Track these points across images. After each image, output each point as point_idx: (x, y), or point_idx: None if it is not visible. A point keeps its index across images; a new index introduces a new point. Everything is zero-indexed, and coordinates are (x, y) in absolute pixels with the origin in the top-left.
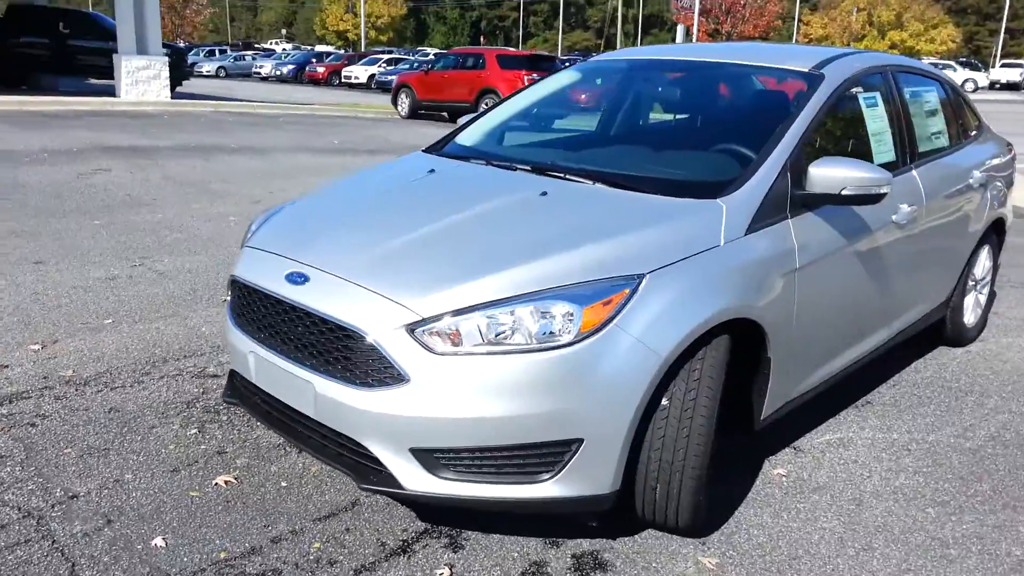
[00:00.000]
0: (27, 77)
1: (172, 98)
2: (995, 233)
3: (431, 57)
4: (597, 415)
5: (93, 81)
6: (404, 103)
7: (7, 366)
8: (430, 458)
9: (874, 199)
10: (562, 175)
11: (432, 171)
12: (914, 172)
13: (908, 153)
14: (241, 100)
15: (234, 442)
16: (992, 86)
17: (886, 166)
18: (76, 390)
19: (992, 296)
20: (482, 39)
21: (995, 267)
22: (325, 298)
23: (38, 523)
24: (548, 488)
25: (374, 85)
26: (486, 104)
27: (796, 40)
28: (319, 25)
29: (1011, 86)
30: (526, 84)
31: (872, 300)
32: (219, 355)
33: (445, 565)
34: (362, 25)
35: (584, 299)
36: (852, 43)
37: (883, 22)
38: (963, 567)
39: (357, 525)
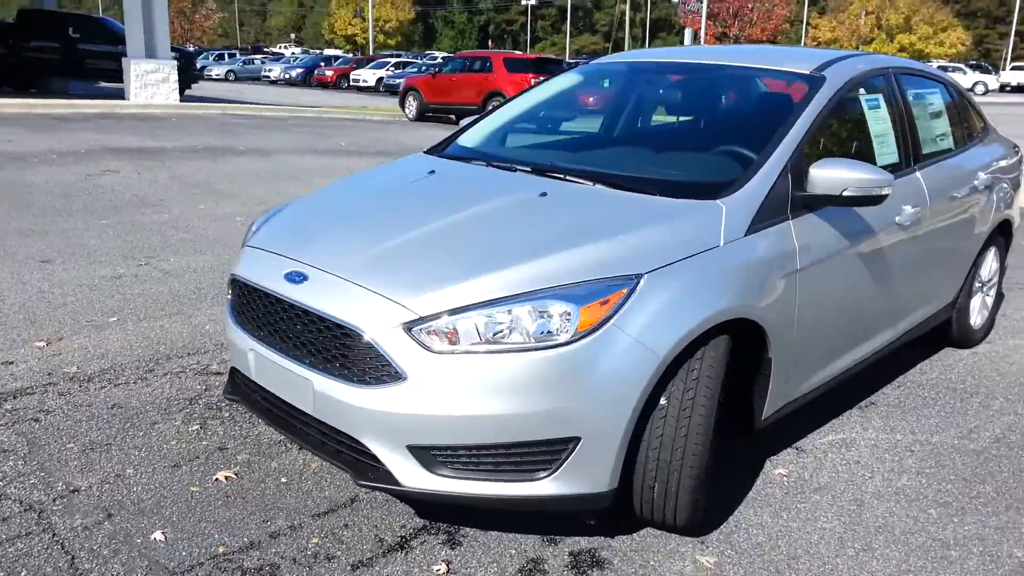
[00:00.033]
0: (37, 81)
1: (181, 101)
2: (1002, 235)
3: (439, 61)
4: (594, 414)
5: (103, 84)
6: (412, 106)
7: (12, 362)
8: (427, 455)
9: (875, 200)
10: (562, 176)
11: (432, 172)
12: (918, 174)
13: (911, 155)
14: (249, 103)
15: (235, 438)
16: (1002, 89)
17: (889, 168)
18: (80, 386)
19: (1000, 298)
20: (490, 43)
21: (1002, 269)
22: (323, 297)
23: (39, 516)
24: (545, 486)
25: (382, 88)
26: (493, 107)
27: (804, 43)
28: (328, 29)
29: (1021, 89)
30: (532, 87)
31: (875, 301)
32: (222, 353)
33: (442, 561)
34: (370, 29)
35: (581, 299)
36: (861, 46)
37: (892, 25)
38: (964, 568)
39: (356, 521)
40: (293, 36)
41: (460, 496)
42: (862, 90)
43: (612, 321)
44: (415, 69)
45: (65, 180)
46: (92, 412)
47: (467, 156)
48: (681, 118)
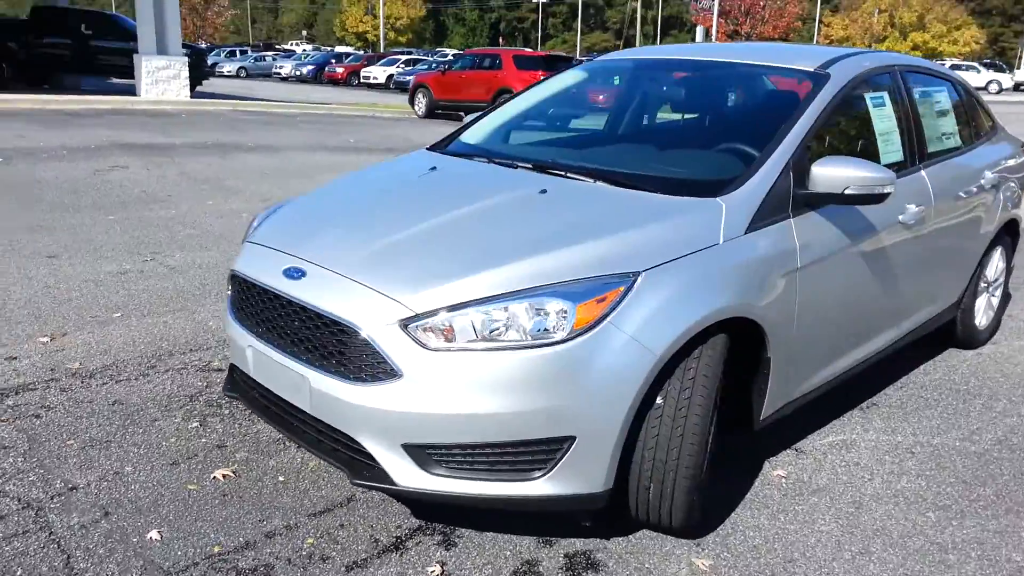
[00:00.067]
0: (50, 77)
1: (192, 97)
2: (1008, 234)
3: (449, 58)
4: (590, 413)
5: (115, 80)
6: (421, 103)
7: (16, 358)
8: (422, 454)
9: (878, 199)
10: (563, 173)
11: (434, 168)
12: (923, 172)
13: (917, 153)
14: (260, 100)
15: (235, 436)
16: (1017, 88)
17: (893, 166)
18: (82, 382)
19: (1007, 298)
20: (501, 40)
21: (1009, 269)
22: (321, 293)
23: (36, 514)
24: (540, 486)
25: (392, 85)
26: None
27: (817, 41)
28: (339, 27)
29: None
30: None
31: (878, 301)
32: (224, 349)
33: (437, 563)
34: (381, 26)
35: (578, 296)
36: (874, 45)
37: (905, 23)
38: (961, 572)
39: (352, 521)
40: (305, 33)
41: (455, 496)
42: (867, 88)
43: (609, 319)
44: (425, 66)
45: (74, 176)
46: (93, 409)
47: (469, 152)
48: (684, 115)
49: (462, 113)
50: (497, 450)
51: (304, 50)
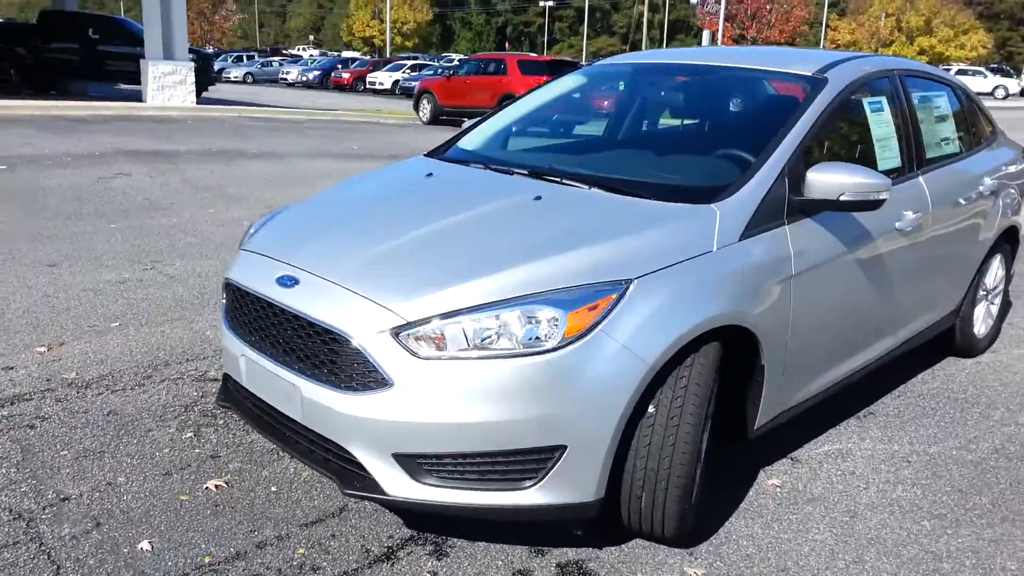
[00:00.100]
0: (57, 82)
1: (198, 103)
2: (1008, 242)
3: (455, 63)
4: (581, 421)
5: (122, 86)
6: (426, 109)
7: (12, 368)
8: (413, 463)
9: (873, 205)
10: (558, 179)
11: (430, 175)
12: (920, 179)
13: (915, 159)
14: (266, 106)
15: (228, 446)
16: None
17: (891, 172)
18: (77, 392)
19: (1007, 306)
20: (507, 45)
21: (1008, 276)
22: (313, 301)
23: (28, 525)
24: (531, 495)
25: (398, 91)
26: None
27: (823, 46)
28: (346, 31)
29: None
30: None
31: (874, 309)
32: (221, 359)
33: (428, 572)
34: (387, 31)
35: (569, 304)
36: (880, 49)
37: (912, 27)
38: None
39: (343, 531)
40: (312, 38)
41: (445, 505)
42: (865, 92)
43: (600, 327)
44: (431, 71)
45: (78, 183)
46: (88, 419)
47: (466, 159)
48: (682, 120)
49: (466, 119)
50: (488, 459)
51: (311, 55)
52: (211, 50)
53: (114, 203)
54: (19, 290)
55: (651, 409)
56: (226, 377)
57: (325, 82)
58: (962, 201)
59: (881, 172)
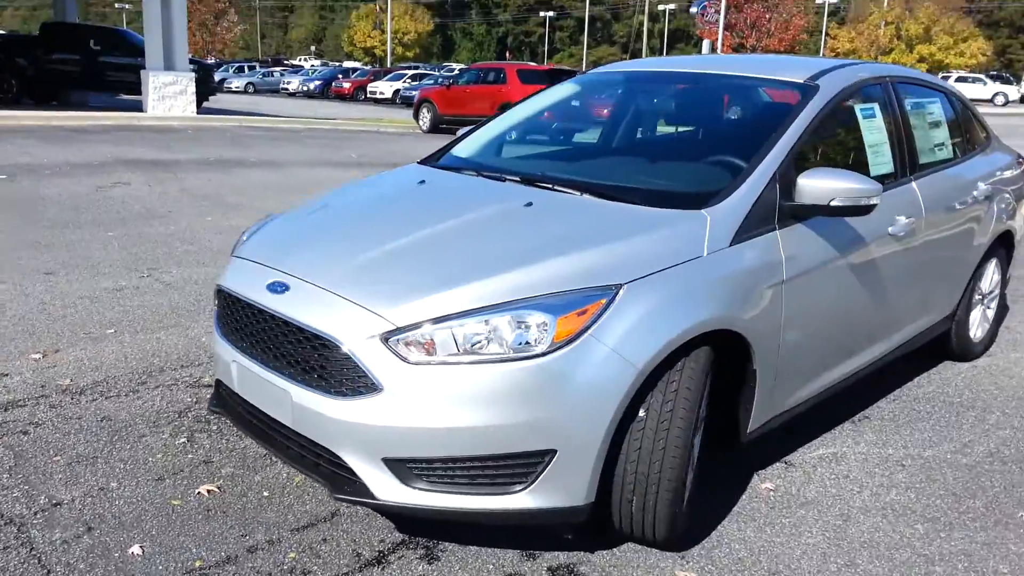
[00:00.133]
0: (58, 93)
1: (198, 113)
2: (1003, 246)
3: (456, 72)
4: (571, 426)
5: (123, 97)
6: (425, 118)
7: (7, 375)
8: (402, 468)
9: (864, 210)
10: (550, 186)
11: (422, 182)
12: (913, 184)
13: (907, 165)
14: (266, 115)
15: (221, 451)
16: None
17: (883, 178)
18: (71, 399)
19: (1004, 310)
20: (508, 54)
21: (1004, 281)
22: (303, 307)
23: (19, 530)
24: (521, 499)
25: (399, 100)
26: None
27: (823, 54)
28: (347, 42)
29: None
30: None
31: (867, 313)
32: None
33: None
34: (388, 41)
35: (558, 309)
36: (880, 57)
37: (911, 36)
38: None
39: (335, 536)
40: (313, 49)
41: (435, 510)
42: (857, 99)
43: (589, 332)
44: (432, 81)
45: (76, 192)
46: (81, 425)
47: (459, 166)
48: (674, 127)
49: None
50: (478, 464)
51: (312, 65)
52: (212, 61)
53: (112, 212)
54: (15, 298)
55: (641, 413)
56: (218, 383)
57: (326, 92)
58: (956, 206)
59: (874, 178)
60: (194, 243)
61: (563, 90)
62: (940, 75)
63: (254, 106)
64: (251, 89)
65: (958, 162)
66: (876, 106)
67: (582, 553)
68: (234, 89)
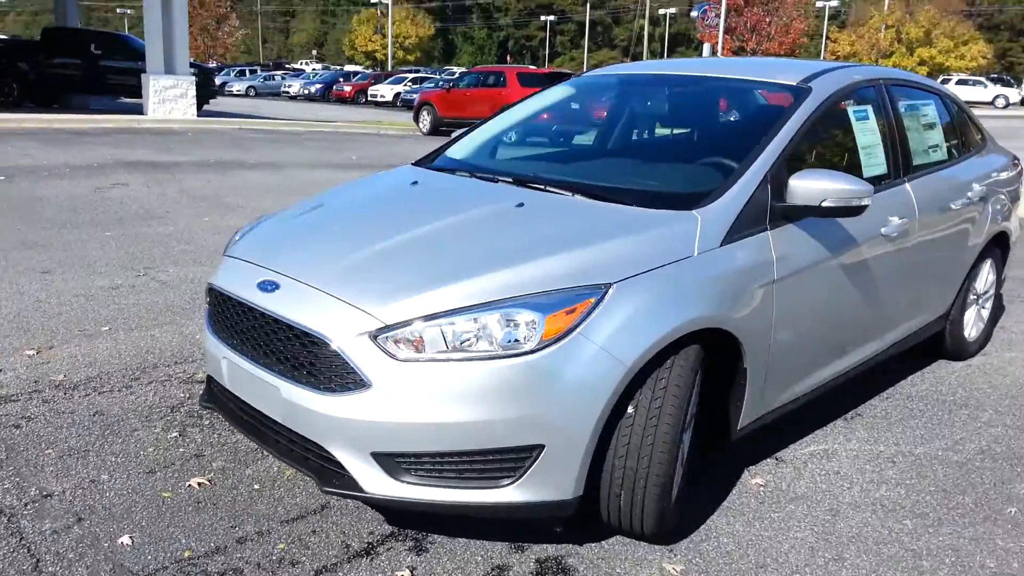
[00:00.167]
0: (59, 97)
1: (198, 116)
2: (998, 247)
3: (456, 76)
4: (559, 422)
5: (124, 100)
6: (426, 120)
7: (0, 370)
8: (391, 462)
9: (855, 211)
10: (542, 187)
11: (415, 183)
12: (907, 185)
13: (901, 166)
14: (266, 118)
15: (213, 446)
16: None
17: (877, 179)
18: (64, 394)
19: (1000, 310)
20: (509, 58)
21: (999, 281)
22: (293, 305)
23: (8, 521)
24: (509, 493)
25: (399, 103)
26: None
27: (824, 57)
28: (348, 46)
29: None
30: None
31: (860, 313)
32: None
33: (407, 567)
34: (389, 45)
35: (547, 307)
36: (880, 60)
37: (912, 39)
38: None
39: (324, 527)
40: (315, 53)
41: (423, 503)
42: (851, 101)
43: (578, 330)
44: (432, 84)
45: (75, 193)
46: (74, 419)
47: (453, 167)
48: (668, 129)
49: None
50: (466, 458)
51: (313, 69)
52: (214, 64)
53: (110, 212)
54: (11, 296)
55: (630, 410)
56: (209, 379)
57: (327, 95)
58: (950, 207)
59: (867, 179)
60: (191, 243)
61: (557, 92)
62: (941, 78)
63: (255, 109)
64: (252, 93)
65: (952, 164)
66: (869, 108)
67: (570, 546)
68: (235, 93)
